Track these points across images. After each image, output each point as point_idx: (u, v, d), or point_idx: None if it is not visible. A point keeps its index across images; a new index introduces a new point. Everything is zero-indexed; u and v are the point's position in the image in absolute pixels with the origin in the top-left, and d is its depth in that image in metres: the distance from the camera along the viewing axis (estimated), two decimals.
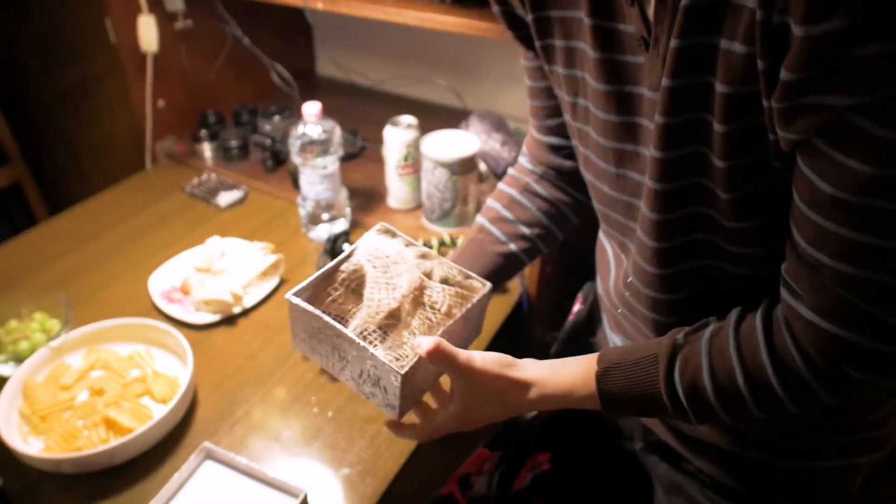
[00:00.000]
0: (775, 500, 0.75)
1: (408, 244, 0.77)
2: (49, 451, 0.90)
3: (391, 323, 0.72)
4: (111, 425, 0.93)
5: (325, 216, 1.33)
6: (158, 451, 0.93)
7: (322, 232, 1.34)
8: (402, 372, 0.65)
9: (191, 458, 0.89)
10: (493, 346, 1.12)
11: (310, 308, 0.70)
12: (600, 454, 1.03)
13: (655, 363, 0.62)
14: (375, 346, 0.70)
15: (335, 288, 0.74)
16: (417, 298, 0.72)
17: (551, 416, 0.96)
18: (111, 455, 0.87)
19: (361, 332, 0.70)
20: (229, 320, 1.15)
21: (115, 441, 0.88)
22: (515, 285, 1.25)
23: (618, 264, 0.79)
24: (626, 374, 0.63)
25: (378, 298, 0.71)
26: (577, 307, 1.08)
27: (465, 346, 0.76)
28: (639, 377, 0.62)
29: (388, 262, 0.74)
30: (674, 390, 0.61)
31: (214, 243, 1.26)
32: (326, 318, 0.69)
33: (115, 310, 1.12)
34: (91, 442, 0.91)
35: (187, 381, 0.95)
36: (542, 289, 1.26)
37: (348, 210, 1.37)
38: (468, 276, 0.76)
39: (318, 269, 1.17)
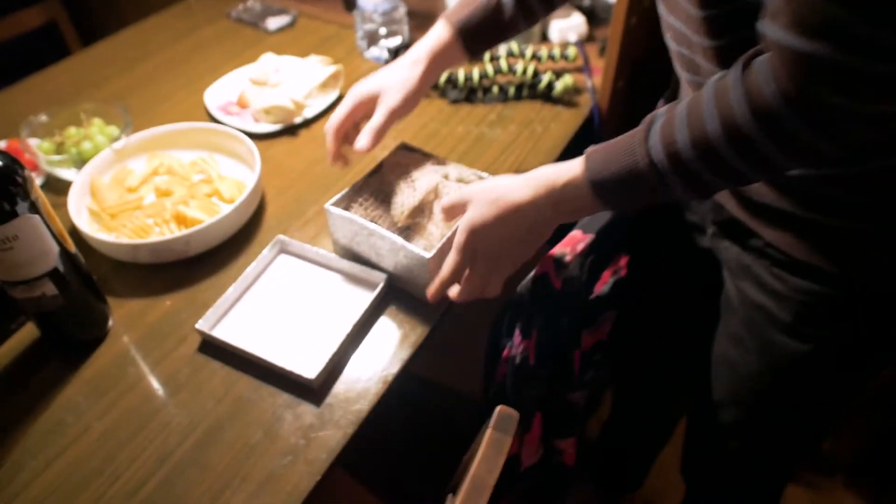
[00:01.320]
0: (848, 272, 0.71)
1: (425, 155, 0.90)
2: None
3: (417, 222, 0.82)
4: (182, 220, 0.91)
5: (382, 31, 1.25)
6: (231, 245, 0.91)
7: (380, 51, 1.26)
8: (429, 255, 0.75)
9: (265, 251, 0.87)
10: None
11: (347, 214, 0.81)
12: (675, 254, 1.00)
13: (634, 134, 0.62)
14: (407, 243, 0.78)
15: (365, 198, 0.85)
16: (437, 197, 0.83)
17: (632, 217, 0.92)
18: (186, 243, 0.85)
19: (392, 231, 0.80)
20: (290, 130, 1.11)
21: (189, 229, 0.85)
22: (586, 100, 1.17)
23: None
24: (610, 149, 0.64)
25: (402, 201, 0.82)
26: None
27: None
28: (621, 147, 0.63)
29: (409, 170, 0.86)
30: (652, 151, 0.59)
31: (269, 59, 1.20)
32: (362, 220, 0.80)
33: (173, 120, 1.08)
34: (164, 235, 0.89)
35: (256, 178, 0.92)
36: (613, 104, 1.18)
37: (406, 28, 1.29)
38: (481, 176, 0.86)
39: None
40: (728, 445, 0.97)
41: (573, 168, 0.66)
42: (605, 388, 1.43)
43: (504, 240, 0.70)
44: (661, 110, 0.61)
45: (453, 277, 0.73)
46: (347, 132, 0.87)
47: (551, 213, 0.68)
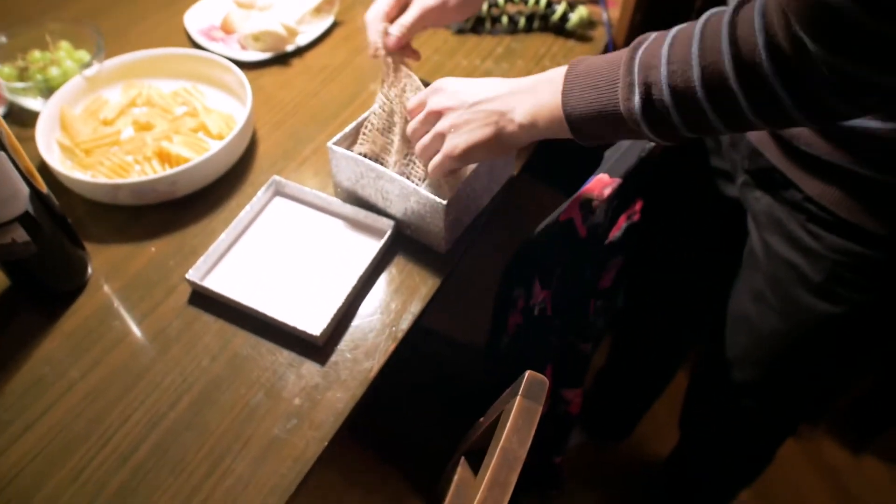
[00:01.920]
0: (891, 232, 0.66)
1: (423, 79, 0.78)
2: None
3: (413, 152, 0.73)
4: (165, 157, 0.82)
5: None
6: (221, 186, 0.83)
7: None
8: (445, 202, 0.69)
9: (259, 193, 0.80)
10: None
11: (351, 154, 0.74)
12: (694, 200, 0.95)
13: (620, 53, 0.58)
14: (416, 183, 0.72)
15: (369, 133, 0.77)
16: None
17: (657, 159, 0.85)
18: (172, 182, 0.77)
19: (401, 171, 0.74)
20: (282, 59, 1.01)
21: (175, 168, 0.77)
22: (601, 33, 1.09)
23: None
24: (592, 61, 0.59)
25: (402, 132, 0.74)
26: None
27: None
28: (604, 61, 0.58)
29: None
30: (630, 68, 0.55)
31: None
32: (368, 161, 0.73)
33: (150, 48, 0.97)
34: (146, 174, 0.81)
35: (248, 112, 0.83)
36: (629, 39, 1.10)
37: None
38: None
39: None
40: (739, 403, 0.95)
41: (554, 72, 0.62)
42: (603, 336, 1.40)
43: (474, 104, 0.65)
44: (651, 36, 0.57)
45: (414, 136, 0.70)
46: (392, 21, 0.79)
47: (516, 119, 0.63)
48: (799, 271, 0.74)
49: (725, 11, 0.51)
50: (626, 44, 1.09)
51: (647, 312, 1.18)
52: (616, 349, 1.33)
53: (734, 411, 0.98)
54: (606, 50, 1.08)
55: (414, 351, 0.78)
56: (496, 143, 0.64)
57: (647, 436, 1.49)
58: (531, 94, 0.62)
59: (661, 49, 0.53)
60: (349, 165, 0.75)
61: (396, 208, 0.75)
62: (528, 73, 1.01)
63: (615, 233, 0.87)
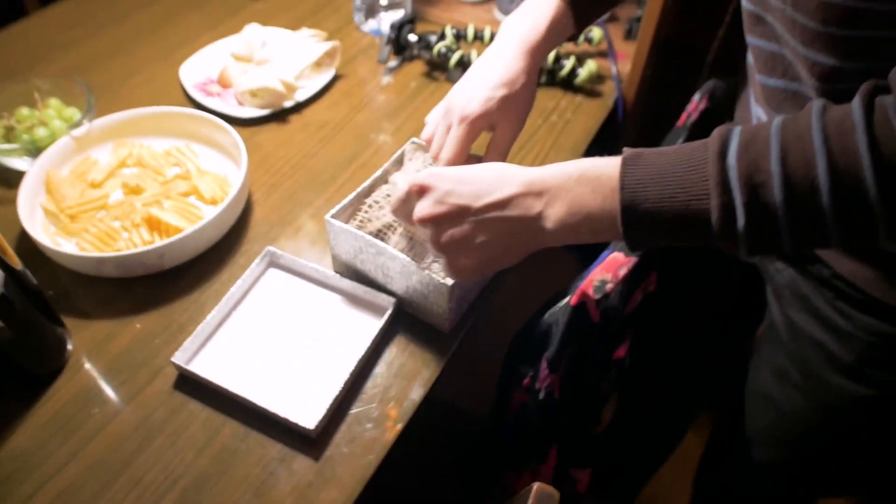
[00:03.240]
0: None
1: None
2: (86, 251, 0.76)
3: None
4: (155, 225, 0.78)
5: (383, 2, 1.11)
6: (212, 256, 0.79)
7: (379, 24, 1.12)
8: (451, 283, 0.64)
9: (252, 265, 0.75)
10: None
11: (350, 228, 0.70)
12: (711, 271, 0.90)
13: (703, 148, 0.48)
14: (420, 263, 0.67)
15: (370, 206, 0.73)
16: None
17: None
18: (160, 255, 0.73)
19: (403, 249, 0.69)
20: (279, 116, 0.97)
21: (163, 240, 0.73)
22: (610, 88, 1.06)
23: None
24: (663, 159, 0.49)
25: None
26: (699, 105, 0.90)
27: None
28: (681, 160, 0.48)
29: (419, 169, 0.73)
30: (725, 178, 0.45)
31: (254, 31, 1.06)
32: (367, 236, 0.69)
33: (144, 103, 0.93)
34: (133, 244, 0.76)
35: (243, 176, 0.79)
36: (640, 94, 1.07)
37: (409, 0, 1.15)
38: None
39: (380, 61, 1.00)
40: (758, 482, 0.90)
41: (609, 171, 0.50)
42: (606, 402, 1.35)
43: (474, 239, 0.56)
44: (736, 128, 0.48)
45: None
46: None
47: (547, 226, 0.54)
48: (827, 351, 0.69)
49: (854, 107, 0.44)
50: (637, 100, 1.07)
51: (656, 376, 1.13)
52: (622, 412, 1.28)
53: (752, 488, 0.93)
54: (616, 107, 1.04)
55: (420, 424, 0.74)
56: (518, 254, 0.57)
57: (654, 499, 1.43)
58: (564, 190, 0.52)
59: (768, 158, 0.45)
60: (348, 239, 0.71)
61: (398, 285, 0.71)
62: (539, 128, 0.98)
63: (631, 308, 0.82)
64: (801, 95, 0.56)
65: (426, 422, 0.86)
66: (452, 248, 0.57)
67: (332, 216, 0.71)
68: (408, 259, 0.67)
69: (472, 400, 1.05)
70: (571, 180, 0.52)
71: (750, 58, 0.68)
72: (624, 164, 0.49)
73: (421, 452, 0.97)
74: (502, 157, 0.70)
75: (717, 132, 0.48)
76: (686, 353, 1.03)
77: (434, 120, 0.72)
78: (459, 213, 0.55)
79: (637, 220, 0.48)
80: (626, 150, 0.51)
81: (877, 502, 1.42)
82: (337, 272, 0.75)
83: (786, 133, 0.46)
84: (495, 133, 0.69)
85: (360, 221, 0.73)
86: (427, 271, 0.66)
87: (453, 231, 0.56)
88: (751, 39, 0.61)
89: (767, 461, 0.85)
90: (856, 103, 0.44)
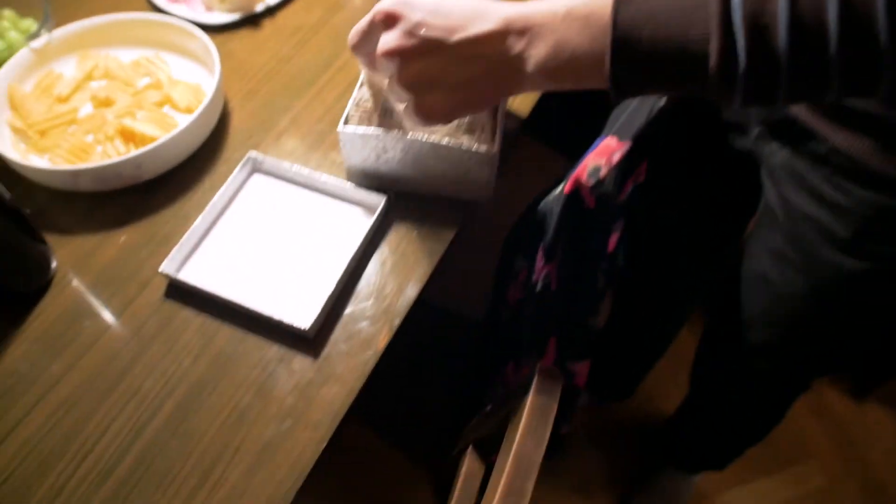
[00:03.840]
0: None
1: None
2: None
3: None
4: (130, 136, 0.75)
5: None
6: (192, 165, 0.76)
7: None
8: (494, 150, 0.64)
9: (234, 172, 0.73)
10: None
11: (370, 130, 0.66)
12: (702, 156, 0.89)
13: None
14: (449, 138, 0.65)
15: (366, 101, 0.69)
16: None
17: (667, 114, 0.79)
18: (138, 165, 0.70)
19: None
20: (252, 21, 0.93)
21: (140, 149, 0.70)
22: None
23: None
24: (659, 2, 0.44)
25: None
26: None
27: None
28: (679, 1, 0.43)
29: None
30: (728, 19, 0.41)
31: None
32: (395, 133, 0.65)
33: (105, 12, 0.88)
34: (108, 156, 0.74)
35: (217, 82, 0.75)
36: None
37: None
38: None
39: None
40: (753, 365, 0.91)
41: (593, 12, 0.46)
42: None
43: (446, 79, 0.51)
44: None
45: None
46: None
47: (527, 69, 0.48)
48: (824, 227, 0.69)
49: None
50: None
51: (649, 271, 1.13)
52: (617, 308, 1.29)
53: (747, 372, 0.95)
54: None
55: (408, 323, 0.74)
56: (493, 98, 0.52)
57: (651, 394, 1.47)
58: (549, 30, 0.47)
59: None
60: (368, 144, 0.67)
61: (433, 173, 0.69)
62: None
63: (622, 198, 0.81)
64: None
65: (423, 326, 0.86)
66: (421, 87, 0.51)
67: (344, 125, 0.68)
68: (445, 142, 0.65)
69: (467, 306, 1.05)
70: (557, 18, 0.47)
71: None
72: (617, 1, 0.44)
73: (418, 356, 0.97)
74: None
75: None
76: (678, 246, 1.03)
77: (361, 26, 0.58)
78: (431, 48, 0.49)
79: (628, 61, 0.44)
80: None
81: (867, 379, 1.46)
82: (353, 182, 0.73)
83: None
84: None
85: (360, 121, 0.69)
86: (463, 145, 0.65)
87: (422, 67, 0.50)
88: None
89: (762, 343, 0.86)
90: None
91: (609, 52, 0.44)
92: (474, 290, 0.99)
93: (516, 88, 0.51)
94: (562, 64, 0.47)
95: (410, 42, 0.50)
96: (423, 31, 0.49)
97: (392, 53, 0.51)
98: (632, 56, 0.44)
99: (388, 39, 0.51)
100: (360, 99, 0.70)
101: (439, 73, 0.50)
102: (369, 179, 0.72)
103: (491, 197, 0.71)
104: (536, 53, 0.48)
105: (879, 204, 0.63)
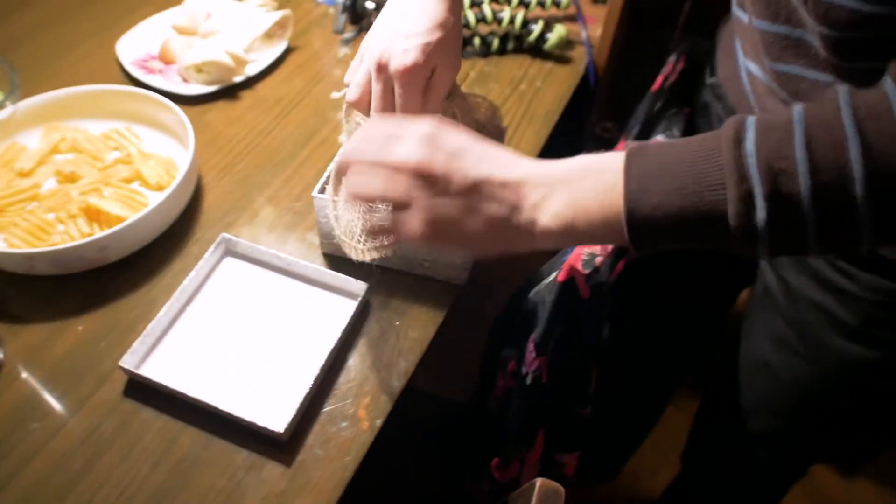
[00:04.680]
0: None
1: None
2: (15, 246, 0.68)
3: None
4: (94, 216, 0.70)
5: None
6: (161, 246, 0.72)
7: None
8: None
9: (206, 255, 0.68)
10: (552, 137, 0.89)
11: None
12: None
13: (715, 137, 0.43)
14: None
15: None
16: None
17: None
18: (102, 248, 0.65)
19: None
20: (229, 92, 0.90)
21: (104, 231, 0.65)
22: (580, 53, 1.00)
23: None
24: (671, 150, 0.44)
25: None
26: (677, 66, 0.86)
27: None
28: (691, 151, 0.43)
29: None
30: (742, 166, 0.40)
31: (197, 1, 0.97)
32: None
33: (77, 83, 0.84)
34: (70, 236, 0.69)
35: (191, 157, 0.72)
36: (612, 59, 1.02)
37: None
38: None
39: (336, 31, 0.94)
40: (753, 453, 0.87)
41: (610, 163, 0.45)
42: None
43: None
44: (751, 116, 0.43)
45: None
46: None
47: (541, 220, 0.47)
48: (829, 314, 0.66)
49: (888, 87, 0.40)
50: (609, 65, 1.02)
51: (635, 348, 1.10)
52: (602, 389, 1.25)
53: (745, 460, 0.90)
54: (587, 73, 0.99)
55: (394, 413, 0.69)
56: (489, 245, 0.49)
57: (638, 472, 1.41)
58: (566, 184, 0.46)
59: (791, 144, 0.40)
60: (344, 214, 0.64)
61: (406, 249, 0.66)
62: (508, 97, 0.93)
63: (612, 278, 0.78)
64: (804, 43, 0.51)
65: (404, 412, 0.81)
66: (419, 209, 0.48)
67: (318, 192, 0.65)
68: None
69: (450, 388, 1.00)
70: (573, 173, 0.46)
71: (736, 7, 0.63)
72: (628, 157, 0.44)
73: (399, 446, 0.92)
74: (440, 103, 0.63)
75: (729, 121, 0.43)
76: (666, 322, 1.00)
77: (360, 80, 0.61)
78: (456, 173, 0.47)
79: (643, 216, 0.43)
80: (630, 144, 0.45)
81: (868, 466, 1.42)
82: (326, 251, 0.70)
83: (809, 118, 0.41)
84: (434, 77, 0.62)
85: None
86: None
87: (436, 194, 0.47)
88: None
89: (761, 431, 0.82)
90: (889, 84, 0.40)
91: (623, 208, 0.43)
92: (459, 373, 0.94)
93: (523, 242, 0.48)
94: (575, 216, 0.45)
95: (436, 162, 0.47)
96: (451, 159, 0.47)
97: (413, 168, 0.47)
98: (646, 212, 0.43)
99: (415, 151, 0.48)
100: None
101: (450, 205, 0.47)
102: (342, 250, 0.68)
103: (465, 280, 0.67)
104: (551, 206, 0.46)
105: (888, 289, 0.60)
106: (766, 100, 0.61)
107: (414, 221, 0.48)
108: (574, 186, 0.45)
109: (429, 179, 0.47)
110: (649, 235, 0.44)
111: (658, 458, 1.29)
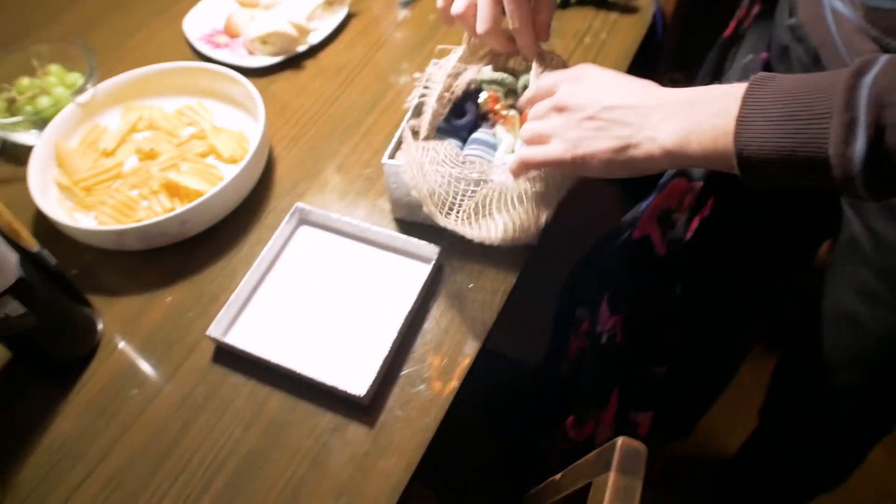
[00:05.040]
0: None
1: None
2: (105, 223, 0.71)
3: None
4: (175, 191, 0.73)
5: None
6: (238, 218, 0.74)
7: None
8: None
9: (281, 225, 0.70)
10: None
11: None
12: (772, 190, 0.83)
13: (843, 70, 0.42)
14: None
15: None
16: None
17: None
18: (183, 222, 0.68)
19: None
20: (294, 62, 0.91)
21: (184, 206, 0.68)
22: (647, 2, 0.96)
23: None
24: (795, 82, 0.43)
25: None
26: (751, 10, 0.81)
27: None
28: (813, 81, 0.42)
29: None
30: (853, 96, 0.39)
31: None
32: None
33: (148, 62, 0.86)
34: (154, 212, 0.72)
35: (261, 130, 0.73)
36: (680, 5, 0.98)
37: None
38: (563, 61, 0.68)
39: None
40: (836, 408, 0.84)
41: (732, 89, 0.47)
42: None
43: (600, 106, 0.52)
44: (885, 55, 0.41)
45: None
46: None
47: (658, 138, 0.49)
48: None
49: None
50: (677, 12, 0.98)
51: (714, 304, 1.07)
52: (677, 345, 1.23)
53: (829, 415, 0.88)
54: (654, 22, 0.95)
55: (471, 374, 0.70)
56: (619, 162, 0.51)
57: (713, 430, 1.39)
58: (686, 111, 0.48)
59: None
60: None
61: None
62: (574, 51, 0.90)
63: (689, 234, 0.76)
64: None
65: (478, 373, 0.82)
66: (570, 134, 0.53)
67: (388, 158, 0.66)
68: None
69: (522, 348, 1.01)
70: (700, 99, 0.48)
71: None
72: (751, 84, 0.45)
73: (474, 407, 0.93)
74: (547, 34, 0.64)
75: (862, 57, 0.42)
76: (743, 277, 0.97)
77: None
78: (592, 105, 0.52)
79: (749, 140, 0.43)
80: (758, 74, 0.45)
81: None
82: (398, 216, 0.70)
83: None
84: (538, 2, 0.62)
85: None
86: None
87: (579, 118, 0.52)
88: None
89: (849, 385, 0.80)
90: None
91: (734, 131, 0.44)
92: (530, 332, 0.94)
93: (645, 161, 0.51)
94: (691, 139, 0.47)
95: (581, 99, 0.53)
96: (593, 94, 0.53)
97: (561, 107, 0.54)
98: (755, 136, 0.44)
99: (569, 93, 0.54)
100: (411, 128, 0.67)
101: (592, 126, 0.52)
102: (414, 214, 0.69)
103: (537, 240, 0.66)
104: (669, 127, 0.48)
105: None
106: (853, 39, 0.58)
107: (557, 145, 0.53)
108: (696, 109, 0.47)
109: (572, 110, 0.53)
110: (755, 163, 0.44)
111: (733, 415, 1.26)
